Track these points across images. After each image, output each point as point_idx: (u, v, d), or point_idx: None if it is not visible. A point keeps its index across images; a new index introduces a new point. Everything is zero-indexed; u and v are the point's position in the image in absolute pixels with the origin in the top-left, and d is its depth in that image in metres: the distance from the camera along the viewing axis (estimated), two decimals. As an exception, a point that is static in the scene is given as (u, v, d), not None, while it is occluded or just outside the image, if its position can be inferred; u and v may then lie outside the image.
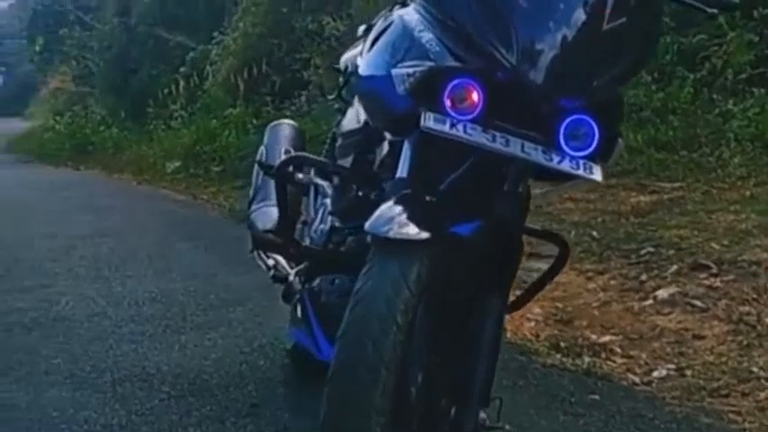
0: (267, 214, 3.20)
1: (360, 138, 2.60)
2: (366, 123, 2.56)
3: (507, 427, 2.81)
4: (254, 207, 3.24)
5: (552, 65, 1.85)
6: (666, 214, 4.95)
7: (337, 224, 2.42)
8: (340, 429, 1.75)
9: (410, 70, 1.94)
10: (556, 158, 1.89)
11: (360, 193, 2.36)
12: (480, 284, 1.92)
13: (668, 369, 3.33)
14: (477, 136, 1.88)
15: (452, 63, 1.91)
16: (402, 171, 2.07)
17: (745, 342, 3.51)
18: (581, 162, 1.89)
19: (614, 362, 3.42)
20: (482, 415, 1.93)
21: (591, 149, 1.90)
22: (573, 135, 1.89)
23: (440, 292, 1.85)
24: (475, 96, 1.89)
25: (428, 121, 1.89)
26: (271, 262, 3.05)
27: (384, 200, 2.04)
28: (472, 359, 1.91)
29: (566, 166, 1.89)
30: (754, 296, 3.90)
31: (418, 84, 1.93)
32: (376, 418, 1.73)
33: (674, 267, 4.28)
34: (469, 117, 1.89)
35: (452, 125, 1.89)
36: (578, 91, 1.90)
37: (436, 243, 1.82)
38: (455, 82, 1.89)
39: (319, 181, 2.51)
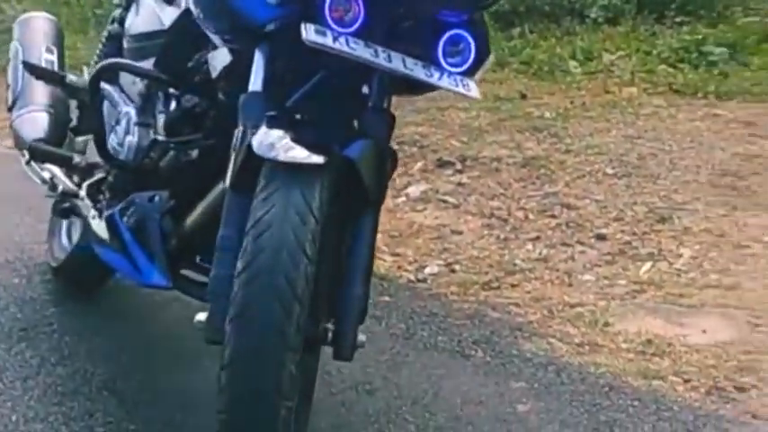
0: (35, 121, 2.95)
1: (168, 41, 2.44)
2: (177, 25, 2.41)
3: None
4: (16, 113, 2.97)
5: None
6: (403, 111, 5.06)
7: (160, 137, 2.26)
8: (253, 367, 1.66)
9: None
10: (436, 74, 1.87)
11: (188, 105, 2.23)
12: (358, 203, 1.88)
13: (438, 265, 3.44)
14: (361, 50, 1.81)
15: None
16: (255, 84, 1.97)
17: (501, 236, 3.69)
18: (458, 79, 1.88)
19: (385, 260, 3.49)
20: (361, 337, 1.91)
21: (467, 66, 1.89)
22: (451, 51, 1.88)
23: (330, 215, 1.80)
24: (355, 8, 1.82)
25: (309, 33, 1.80)
26: (46, 174, 2.83)
27: (242, 115, 1.94)
28: (350, 276, 1.88)
29: (445, 82, 1.87)
30: (501, 191, 4.11)
31: None
32: (291, 355, 1.67)
33: (420, 164, 4.40)
34: (350, 30, 1.82)
35: (334, 38, 1.81)
36: (470, 4, 1.88)
37: (331, 167, 1.76)
38: None
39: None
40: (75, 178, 2.75)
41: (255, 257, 1.68)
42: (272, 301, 1.66)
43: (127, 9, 2.89)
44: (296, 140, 1.76)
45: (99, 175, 2.65)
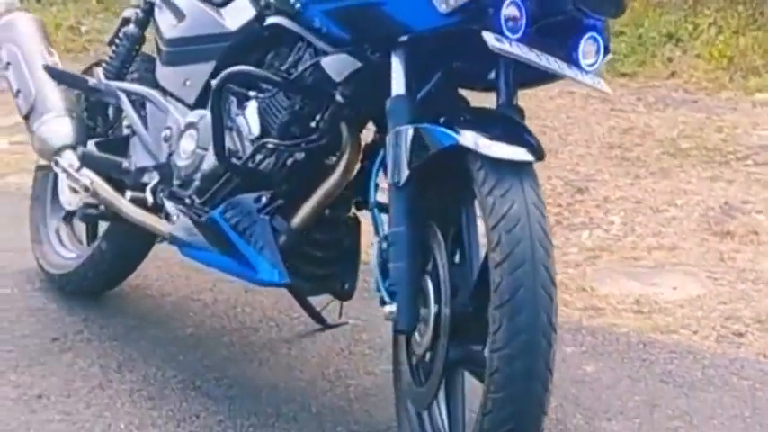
0: (60, 127, 2.92)
1: (235, 44, 2.51)
2: (249, 29, 2.49)
3: (350, 322, 2.98)
4: (37, 120, 2.91)
5: None
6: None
7: (272, 141, 2.33)
8: (526, 347, 1.82)
9: None
10: (579, 73, 2.08)
11: (298, 108, 2.33)
12: None
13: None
14: (529, 54, 2.00)
15: None
16: (399, 87, 2.12)
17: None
18: (595, 77, 2.11)
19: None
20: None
21: (596, 65, 2.12)
22: (586, 52, 2.09)
23: None
24: (520, 16, 2.01)
25: (491, 41, 1.96)
26: (86, 180, 2.80)
27: (392, 118, 2.09)
28: None
29: (588, 80, 2.09)
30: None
31: (470, 3, 1.99)
32: (554, 335, 1.85)
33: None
34: (517, 36, 2.01)
35: (510, 44, 1.99)
36: (619, 10, 2.10)
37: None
38: (508, 2, 1.99)
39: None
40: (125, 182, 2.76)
41: (513, 249, 1.85)
42: (537, 288, 1.83)
43: (148, 12, 2.90)
44: (495, 138, 1.95)
45: (156, 179, 2.68)
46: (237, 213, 2.41)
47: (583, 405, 2.49)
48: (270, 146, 2.36)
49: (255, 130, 2.43)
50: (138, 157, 2.78)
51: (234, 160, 2.44)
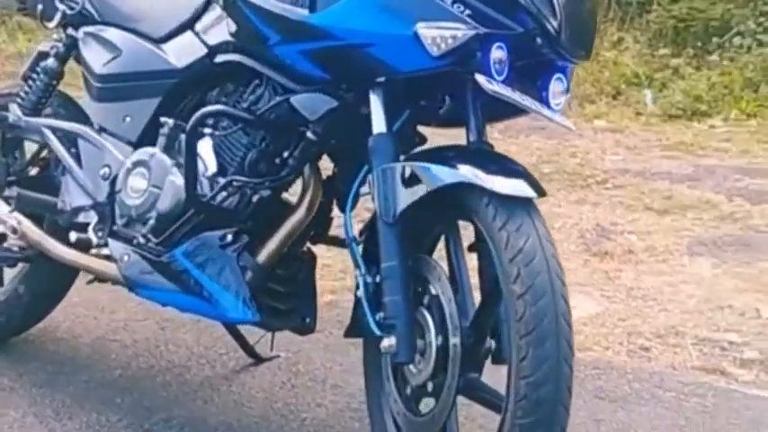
0: None
1: (183, 80, 2.49)
2: (195, 65, 2.47)
3: (282, 354, 2.99)
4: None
5: (580, 29, 2.13)
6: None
7: (239, 178, 2.31)
8: (549, 372, 1.89)
9: (447, 33, 2.04)
10: (550, 112, 2.18)
11: (267, 146, 2.33)
12: None
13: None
14: (512, 94, 2.09)
15: (490, 30, 2.06)
16: (380, 126, 2.17)
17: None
18: (561, 115, 2.23)
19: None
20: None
21: (562, 104, 2.23)
22: (555, 92, 2.20)
23: None
24: (505, 58, 2.09)
25: (484, 83, 2.04)
26: (13, 222, 2.69)
27: (375, 156, 2.14)
28: None
29: (557, 118, 2.20)
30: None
31: (461, 46, 2.06)
32: (572, 359, 1.94)
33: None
34: (501, 78, 2.09)
35: (499, 85, 2.07)
36: (588, 54, 2.21)
37: None
38: (496, 45, 2.07)
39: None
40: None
41: (534, 281, 1.91)
42: (558, 317, 1.91)
43: (70, 47, 2.82)
44: (495, 174, 2.02)
45: (95, 219, 2.61)
46: (202, 252, 2.38)
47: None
48: (236, 183, 2.35)
49: (213, 168, 2.41)
50: (72, 197, 2.68)
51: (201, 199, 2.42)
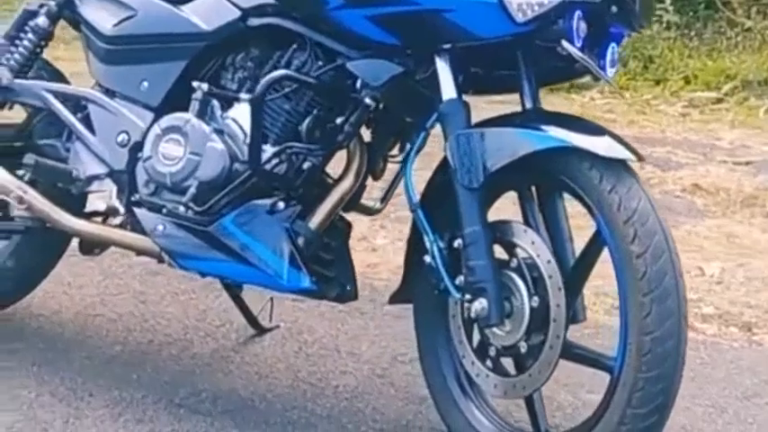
0: None
1: (213, 44, 2.40)
2: (226, 29, 2.38)
3: (281, 325, 2.94)
4: None
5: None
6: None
7: (296, 145, 2.26)
8: (670, 332, 1.97)
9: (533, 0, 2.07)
10: (607, 78, 2.23)
11: (324, 113, 2.28)
12: None
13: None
14: (590, 60, 2.13)
15: None
16: (449, 91, 2.17)
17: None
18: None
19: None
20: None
21: (615, 71, 2.28)
22: (611, 60, 2.25)
23: None
24: (584, 26, 2.13)
25: (569, 48, 2.08)
26: (20, 192, 2.52)
27: (448, 122, 2.15)
28: None
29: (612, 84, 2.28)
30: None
31: (548, 12, 2.08)
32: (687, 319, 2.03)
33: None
34: (579, 45, 2.12)
35: (582, 51, 2.10)
36: (649, 23, 2.27)
37: None
38: (578, 13, 2.10)
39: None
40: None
41: (652, 241, 1.97)
42: (677, 275, 1.98)
43: (63, 5, 2.65)
44: (585, 136, 2.07)
45: (113, 187, 2.48)
46: (253, 220, 2.31)
47: (562, 382, 2.66)
48: (291, 151, 2.29)
49: (267, 135, 2.35)
50: (84, 165, 2.54)
51: (237, 165, 2.35)
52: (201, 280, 3.21)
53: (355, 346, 2.84)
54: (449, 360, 2.31)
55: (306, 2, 2.29)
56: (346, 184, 2.37)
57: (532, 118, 2.18)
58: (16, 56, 2.69)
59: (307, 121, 2.32)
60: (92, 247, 2.74)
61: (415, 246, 2.36)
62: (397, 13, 2.18)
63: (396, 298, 2.42)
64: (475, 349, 2.22)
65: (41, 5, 2.69)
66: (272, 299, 2.89)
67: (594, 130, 2.14)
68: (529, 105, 2.21)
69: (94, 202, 2.60)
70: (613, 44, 2.28)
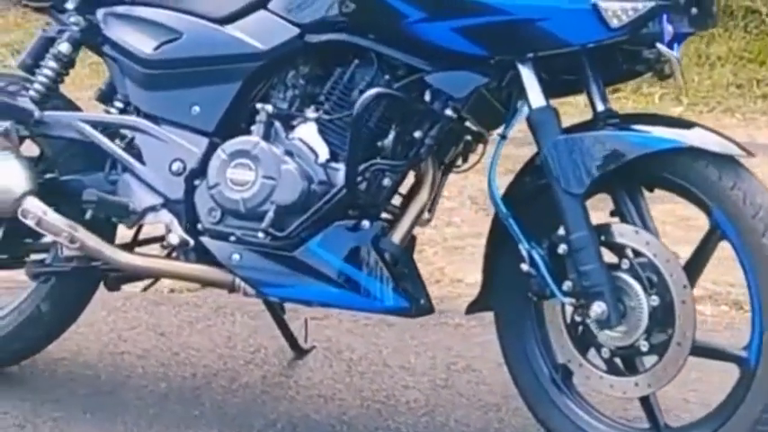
0: (14, 170, 2.46)
1: (269, 63, 2.34)
2: (284, 47, 2.32)
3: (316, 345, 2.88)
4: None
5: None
6: None
7: (381, 162, 2.24)
8: None
9: (627, 5, 2.07)
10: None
11: (408, 128, 2.25)
12: None
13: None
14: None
15: (663, 1, 2.10)
16: (538, 99, 2.18)
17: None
18: None
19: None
20: None
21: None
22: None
23: None
24: (670, 28, 2.16)
25: (664, 49, 2.12)
26: (69, 230, 2.37)
27: (541, 131, 2.16)
28: None
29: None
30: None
31: (641, 17, 2.09)
32: None
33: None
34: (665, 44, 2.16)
35: (671, 52, 2.15)
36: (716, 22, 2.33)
37: None
38: (665, 16, 2.13)
39: None
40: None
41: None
42: None
43: (86, 30, 2.50)
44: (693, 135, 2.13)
45: (170, 218, 2.37)
46: (340, 241, 2.26)
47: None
48: (376, 168, 2.25)
49: (324, 154, 2.30)
50: (137, 197, 2.41)
51: (314, 187, 2.28)
52: (208, 306, 3.19)
53: (403, 360, 2.81)
54: (542, 364, 2.32)
55: (381, 17, 2.24)
56: (424, 196, 2.35)
57: (625, 120, 2.22)
58: (37, 86, 2.53)
59: (388, 136, 2.28)
60: (123, 282, 2.63)
61: (494, 254, 2.36)
62: (487, 24, 2.17)
63: (474, 307, 2.41)
64: (582, 352, 2.24)
65: (60, 31, 2.54)
66: (306, 319, 2.85)
67: (692, 127, 2.19)
68: (601, 108, 2.23)
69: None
70: (676, 44, 2.34)
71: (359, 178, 2.26)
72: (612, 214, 2.26)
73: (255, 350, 2.87)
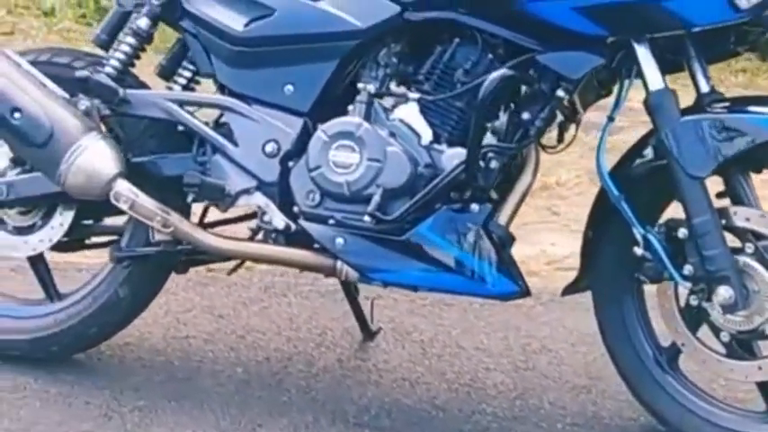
0: (105, 151, 2.35)
1: (367, 42, 2.27)
2: (384, 25, 2.25)
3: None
4: (70, 149, 2.27)
5: None
6: None
7: (495, 144, 2.20)
8: None
9: None
10: None
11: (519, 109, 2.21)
12: None
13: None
14: None
15: None
16: (656, 82, 2.16)
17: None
18: None
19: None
20: None
21: None
22: None
23: None
24: None
25: None
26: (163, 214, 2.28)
27: (661, 115, 2.13)
28: None
29: None
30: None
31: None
32: None
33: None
34: None
35: None
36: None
37: None
38: None
39: None
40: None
41: None
42: None
43: (167, 4, 2.39)
44: None
45: (265, 201, 2.30)
46: (450, 224, 2.22)
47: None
48: (489, 150, 2.20)
49: (428, 136, 2.25)
50: (231, 179, 2.33)
51: (421, 169, 2.23)
52: (255, 286, 3.12)
53: (476, 341, 2.78)
54: (646, 345, 2.31)
55: None
56: (528, 179, 2.32)
57: (742, 102, 2.21)
58: (114, 62, 2.42)
59: (500, 118, 2.24)
60: (194, 265, 2.56)
61: (597, 236, 2.34)
62: (612, 4, 2.13)
63: (572, 288, 2.40)
64: (698, 336, 2.24)
65: (138, 5, 2.43)
66: (372, 300, 2.80)
67: None
68: (705, 89, 2.22)
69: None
70: None
71: (478, 160, 2.22)
72: (719, 196, 2.26)
73: (321, 332, 2.81)
